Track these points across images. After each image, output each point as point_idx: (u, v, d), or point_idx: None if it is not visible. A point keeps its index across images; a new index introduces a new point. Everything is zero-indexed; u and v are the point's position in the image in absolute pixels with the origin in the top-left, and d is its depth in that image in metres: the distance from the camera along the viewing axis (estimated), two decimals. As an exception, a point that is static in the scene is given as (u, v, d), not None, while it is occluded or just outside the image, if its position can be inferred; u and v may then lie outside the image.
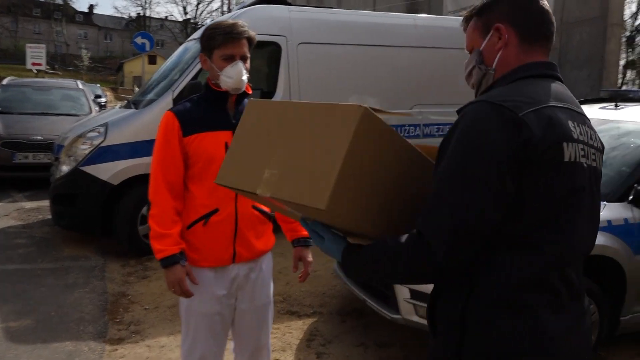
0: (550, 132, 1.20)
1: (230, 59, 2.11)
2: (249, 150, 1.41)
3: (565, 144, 1.22)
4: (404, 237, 1.22)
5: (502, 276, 1.21)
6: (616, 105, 4.27)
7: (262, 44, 5.82)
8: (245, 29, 2.14)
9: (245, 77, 2.14)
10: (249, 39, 2.16)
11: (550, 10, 1.40)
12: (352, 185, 1.20)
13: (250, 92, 2.24)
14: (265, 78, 6.17)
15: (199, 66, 5.60)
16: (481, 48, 1.38)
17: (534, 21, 1.36)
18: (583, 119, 1.33)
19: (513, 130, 1.16)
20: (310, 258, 2.43)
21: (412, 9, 9.63)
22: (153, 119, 5.17)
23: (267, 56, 6.07)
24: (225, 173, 1.46)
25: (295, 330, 3.83)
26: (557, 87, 1.33)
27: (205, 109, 2.18)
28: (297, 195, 1.22)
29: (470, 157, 1.17)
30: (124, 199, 5.26)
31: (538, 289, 1.22)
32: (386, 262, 1.24)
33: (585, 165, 1.27)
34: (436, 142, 6.75)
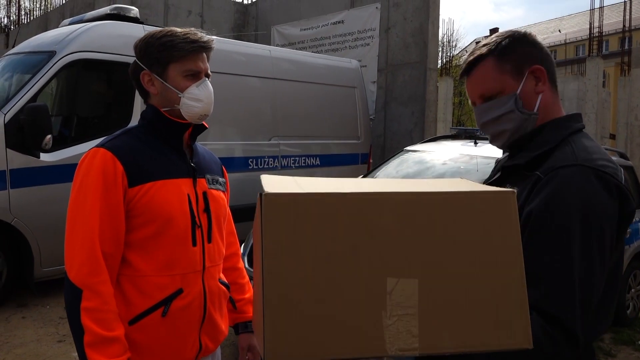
0: (635, 199, 1.25)
1: (195, 77, 1.59)
2: (317, 290, 0.87)
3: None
4: None
5: None
6: (475, 143, 4.78)
7: (114, 65, 5.20)
8: (210, 37, 1.64)
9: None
10: (208, 54, 1.64)
11: None
12: None
13: (207, 126, 1.71)
14: (118, 105, 5.46)
15: (39, 85, 4.71)
16: (518, 92, 1.31)
17: (554, 65, 1.37)
18: None
19: (622, 201, 1.17)
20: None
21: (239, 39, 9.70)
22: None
23: (120, 79, 5.39)
24: (284, 343, 0.86)
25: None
26: None
27: (154, 146, 1.59)
28: (477, 341, 0.89)
29: (589, 232, 1.12)
30: None
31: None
32: None
33: None
34: (292, 173, 6.87)
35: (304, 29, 10.70)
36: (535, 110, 1.31)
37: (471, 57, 1.36)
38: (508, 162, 1.36)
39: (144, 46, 1.61)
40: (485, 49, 1.34)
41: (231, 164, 5.92)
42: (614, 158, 5.65)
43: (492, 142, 1.41)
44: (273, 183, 0.97)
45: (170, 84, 1.58)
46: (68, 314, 1.44)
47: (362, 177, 5.38)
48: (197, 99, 1.58)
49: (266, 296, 0.85)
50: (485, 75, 1.33)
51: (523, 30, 1.38)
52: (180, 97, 1.58)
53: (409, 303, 0.88)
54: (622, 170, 1.23)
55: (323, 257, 0.87)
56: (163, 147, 1.61)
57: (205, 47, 1.60)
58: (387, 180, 1.09)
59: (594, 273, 1.11)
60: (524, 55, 1.32)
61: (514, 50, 1.32)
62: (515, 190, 0.96)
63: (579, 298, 1.09)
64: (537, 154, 1.27)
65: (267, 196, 0.87)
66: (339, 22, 10.13)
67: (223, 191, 1.77)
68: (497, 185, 1.33)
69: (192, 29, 1.62)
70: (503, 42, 1.32)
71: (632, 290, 5.22)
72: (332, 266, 0.87)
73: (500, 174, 1.37)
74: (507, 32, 1.37)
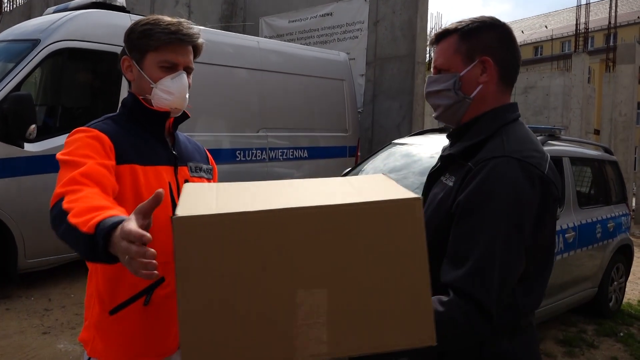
0: (559, 187, 1.32)
1: (171, 69, 1.56)
2: (230, 308, 0.90)
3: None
4: (444, 305, 1.15)
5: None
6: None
7: (100, 55, 5.14)
8: (196, 31, 1.59)
9: (187, 94, 1.61)
10: (196, 47, 1.61)
11: None
12: None
13: (189, 115, 1.69)
14: (103, 94, 5.40)
15: (23, 74, 4.64)
16: (461, 74, 1.37)
17: (514, 65, 1.42)
18: None
19: (542, 188, 1.24)
20: None
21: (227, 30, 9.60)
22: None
23: (106, 69, 5.31)
24: (200, 353, 0.90)
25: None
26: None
27: (135, 133, 1.58)
28: (384, 342, 0.93)
29: (511, 219, 1.20)
30: None
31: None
32: None
33: None
34: (280, 165, 6.86)
35: (293, 21, 10.64)
36: (471, 96, 1.37)
37: (441, 30, 1.44)
38: (446, 152, 1.44)
39: (129, 31, 1.61)
40: (454, 26, 1.40)
41: (218, 155, 5.88)
42: (598, 153, 5.74)
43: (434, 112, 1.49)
44: (188, 200, 0.99)
45: (146, 72, 1.56)
46: (56, 232, 1.22)
47: (350, 170, 5.38)
48: (169, 91, 1.55)
49: (180, 317, 0.89)
50: (442, 50, 1.41)
51: (502, 23, 1.40)
52: (152, 87, 1.56)
53: (319, 312, 0.92)
54: (548, 158, 1.31)
55: (234, 276, 0.90)
56: (144, 135, 1.59)
57: (183, 40, 1.55)
58: (301, 185, 1.11)
59: (512, 256, 1.20)
60: (482, 44, 1.36)
61: (476, 36, 1.37)
62: (420, 197, 0.98)
63: (497, 278, 1.17)
64: (470, 144, 1.34)
65: (176, 220, 0.89)
66: (328, 15, 10.08)
67: (208, 179, 1.75)
68: (437, 174, 1.45)
69: (182, 20, 1.58)
70: (472, 25, 1.38)
71: (615, 283, 5.30)
72: (243, 283, 0.90)
73: (440, 163, 1.45)
74: (485, 17, 1.41)
